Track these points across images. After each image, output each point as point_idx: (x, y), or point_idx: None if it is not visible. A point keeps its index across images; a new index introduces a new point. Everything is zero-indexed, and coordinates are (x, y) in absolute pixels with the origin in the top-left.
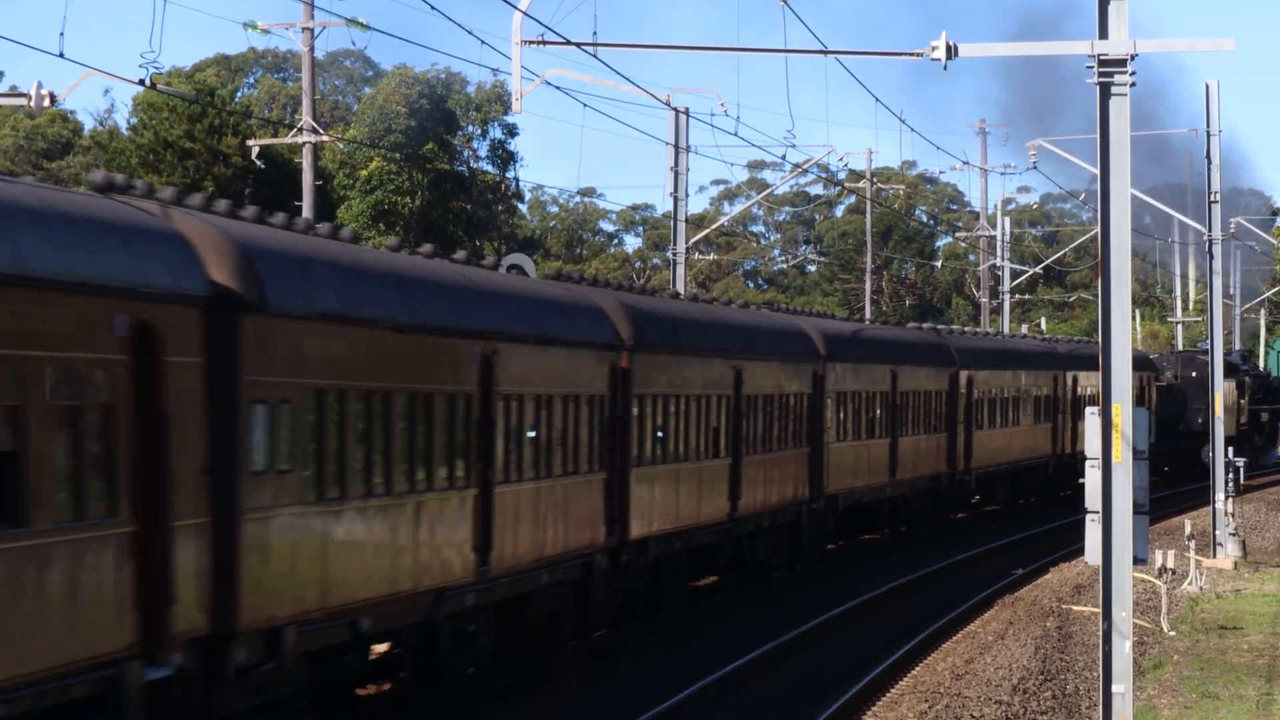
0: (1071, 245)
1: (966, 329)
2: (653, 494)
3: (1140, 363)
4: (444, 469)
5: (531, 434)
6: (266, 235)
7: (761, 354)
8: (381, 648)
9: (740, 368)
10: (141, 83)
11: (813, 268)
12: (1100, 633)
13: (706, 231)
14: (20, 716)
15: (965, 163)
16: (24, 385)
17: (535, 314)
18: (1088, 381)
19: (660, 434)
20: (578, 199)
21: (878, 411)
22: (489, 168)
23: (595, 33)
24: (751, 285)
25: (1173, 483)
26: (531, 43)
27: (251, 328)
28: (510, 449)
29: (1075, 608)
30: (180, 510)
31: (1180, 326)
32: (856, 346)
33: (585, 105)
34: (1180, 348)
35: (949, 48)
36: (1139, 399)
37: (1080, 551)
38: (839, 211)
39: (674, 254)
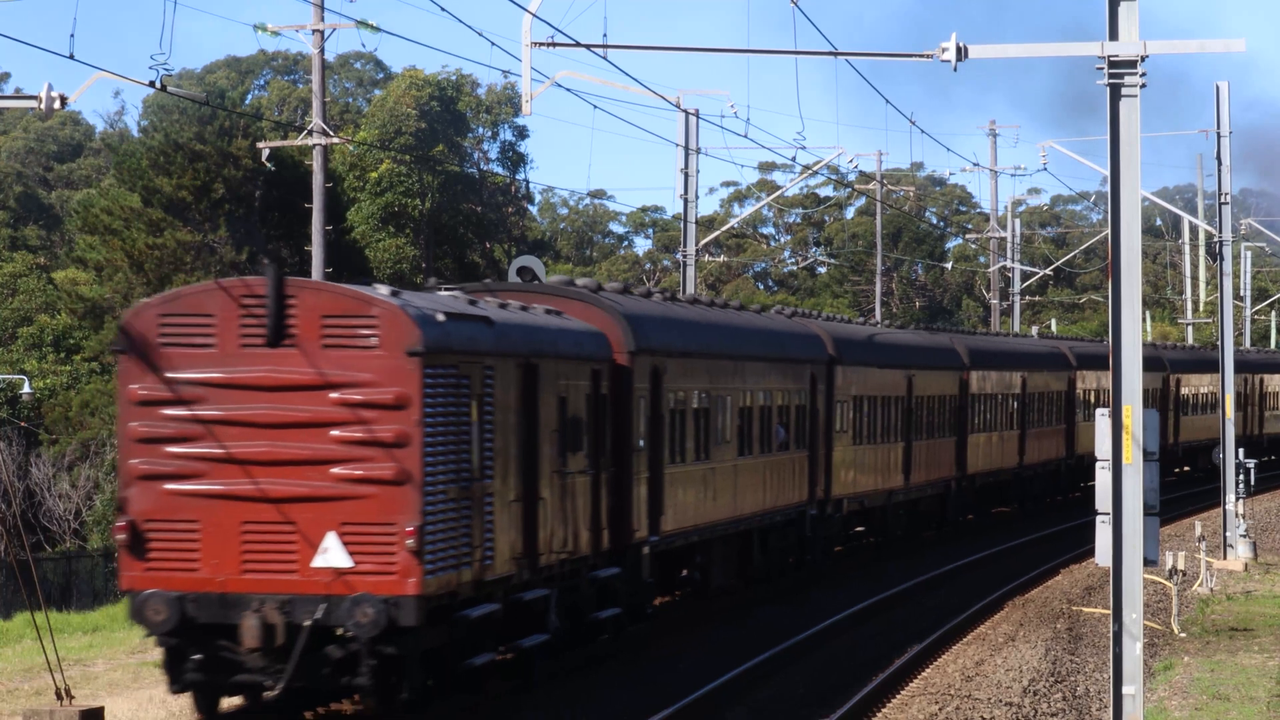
0: (1082, 247)
1: (1173, 342)
2: (978, 448)
3: None
4: (891, 430)
5: (925, 415)
6: (838, 327)
7: (1036, 367)
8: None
9: (1026, 376)
10: (152, 85)
11: (823, 269)
12: (1111, 634)
13: (717, 233)
14: (778, 520)
15: (975, 164)
16: (794, 398)
17: (927, 354)
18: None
19: (983, 413)
20: (588, 201)
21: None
22: (499, 169)
23: (605, 34)
24: (761, 287)
25: (1183, 484)
26: (541, 44)
27: (838, 371)
28: (916, 423)
29: (1085, 609)
30: (818, 446)
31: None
32: (1097, 361)
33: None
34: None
35: (959, 49)
36: None
37: (1090, 552)
38: (849, 213)
39: (684, 256)
